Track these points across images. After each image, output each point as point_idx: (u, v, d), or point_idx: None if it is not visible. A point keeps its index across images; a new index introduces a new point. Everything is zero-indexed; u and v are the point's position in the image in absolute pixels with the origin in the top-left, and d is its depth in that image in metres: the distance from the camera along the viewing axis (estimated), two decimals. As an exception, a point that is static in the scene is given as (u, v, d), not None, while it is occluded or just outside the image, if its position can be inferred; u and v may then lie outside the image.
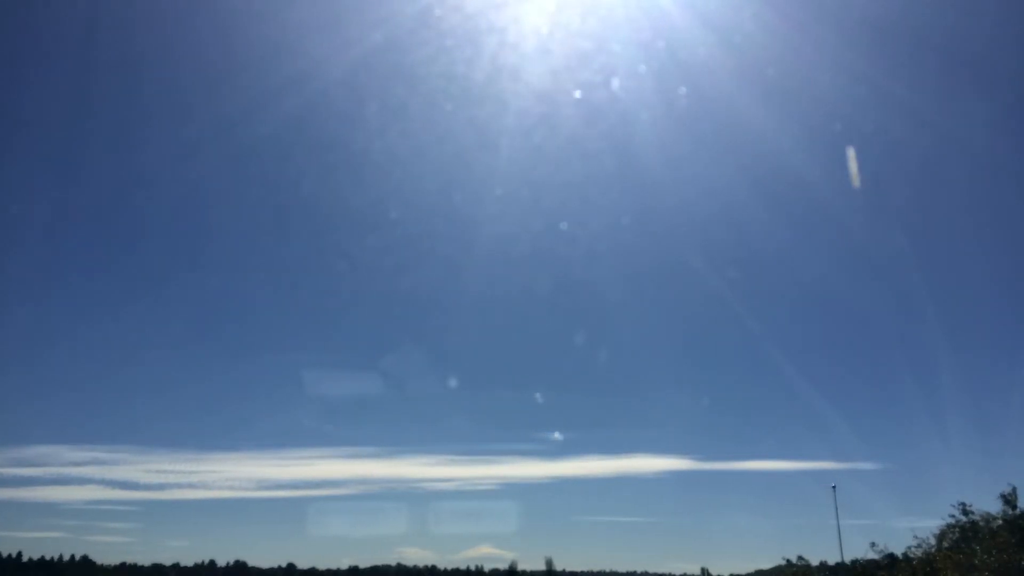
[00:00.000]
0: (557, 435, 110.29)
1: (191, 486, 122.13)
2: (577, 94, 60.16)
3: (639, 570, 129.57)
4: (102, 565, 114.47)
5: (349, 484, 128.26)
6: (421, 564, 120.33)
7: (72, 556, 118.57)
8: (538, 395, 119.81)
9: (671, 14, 69.97)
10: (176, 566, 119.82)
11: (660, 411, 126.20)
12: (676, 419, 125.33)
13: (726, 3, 62.95)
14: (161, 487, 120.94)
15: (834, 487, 51.34)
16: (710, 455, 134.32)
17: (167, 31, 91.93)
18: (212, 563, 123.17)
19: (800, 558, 56.79)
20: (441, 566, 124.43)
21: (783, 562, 58.44)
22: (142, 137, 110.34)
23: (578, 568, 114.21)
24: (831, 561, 57.54)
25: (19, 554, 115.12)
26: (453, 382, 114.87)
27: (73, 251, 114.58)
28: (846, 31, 64.81)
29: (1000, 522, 37.10)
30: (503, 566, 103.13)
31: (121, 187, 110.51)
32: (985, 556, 35.74)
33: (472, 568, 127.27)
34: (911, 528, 62.95)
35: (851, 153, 61.68)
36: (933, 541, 42.23)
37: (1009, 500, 36.79)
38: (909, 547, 44.70)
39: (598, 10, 64.08)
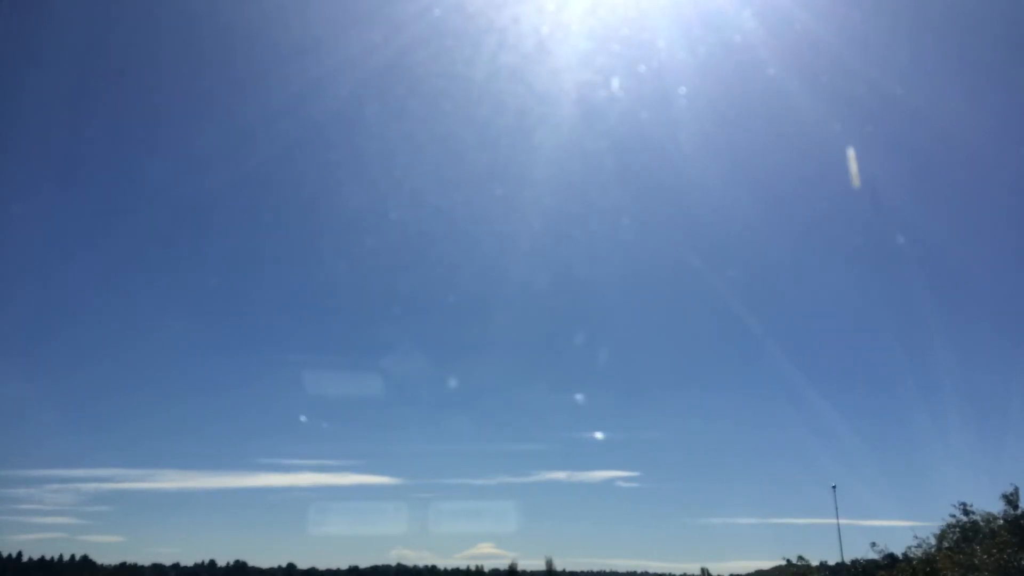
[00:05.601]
0: (598, 435, 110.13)
1: (190, 486, 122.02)
2: (615, 83, 59.22)
3: (639, 570, 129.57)
4: (102, 565, 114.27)
5: (349, 484, 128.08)
6: (421, 564, 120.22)
7: (72, 556, 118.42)
8: (538, 396, 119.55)
9: (670, 14, 70.07)
10: (176, 566, 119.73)
11: (660, 412, 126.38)
12: (675, 420, 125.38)
13: (726, 3, 62.95)
14: (162, 488, 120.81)
15: (834, 487, 51.41)
16: (709, 456, 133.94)
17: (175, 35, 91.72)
18: (212, 563, 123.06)
19: (800, 558, 56.67)
20: (441, 566, 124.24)
21: (783, 562, 58.38)
22: (140, 145, 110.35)
23: (578, 568, 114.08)
24: (831, 561, 57.64)
25: (19, 554, 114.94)
26: (453, 382, 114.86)
27: (70, 256, 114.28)
28: (844, 31, 64.73)
29: (1000, 522, 37.10)
30: (503, 566, 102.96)
31: (120, 192, 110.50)
32: (985, 556, 35.76)
33: (472, 568, 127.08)
34: (911, 528, 62.72)
35: (851, 153, 61.64)
36: (933, 541, 42.36)
37: (1011, 500, 36.78)
38: (909, 547, 44.90)
39: (598, 10, 63.98)
